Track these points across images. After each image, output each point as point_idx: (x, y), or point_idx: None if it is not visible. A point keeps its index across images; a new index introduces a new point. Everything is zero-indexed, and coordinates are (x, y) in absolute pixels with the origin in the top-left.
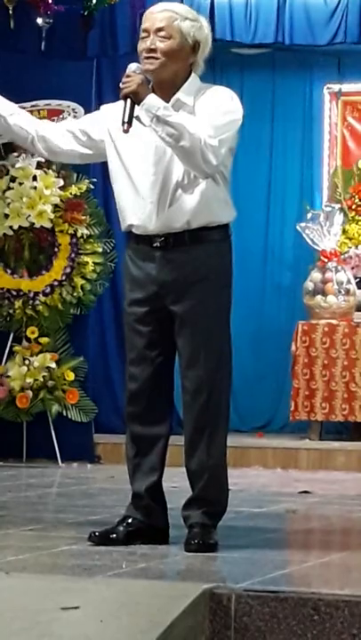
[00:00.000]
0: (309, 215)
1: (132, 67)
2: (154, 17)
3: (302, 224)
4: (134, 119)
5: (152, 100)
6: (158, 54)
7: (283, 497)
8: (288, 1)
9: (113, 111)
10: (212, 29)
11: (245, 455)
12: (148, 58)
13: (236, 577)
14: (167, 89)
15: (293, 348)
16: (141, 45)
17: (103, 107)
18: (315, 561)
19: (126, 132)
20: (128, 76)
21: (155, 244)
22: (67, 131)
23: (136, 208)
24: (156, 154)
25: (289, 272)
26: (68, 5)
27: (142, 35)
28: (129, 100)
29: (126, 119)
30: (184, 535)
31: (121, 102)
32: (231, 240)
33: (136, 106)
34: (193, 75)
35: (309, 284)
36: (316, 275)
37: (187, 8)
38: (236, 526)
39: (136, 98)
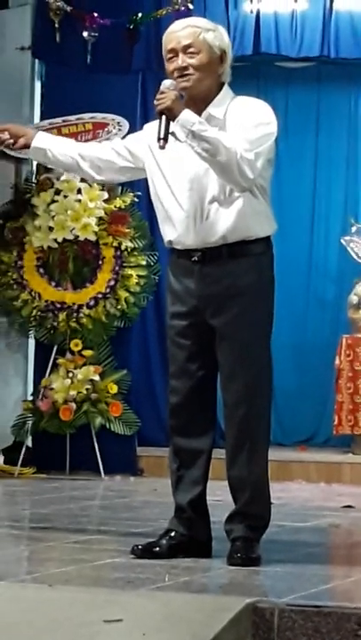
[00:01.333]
0: (354, 229)
1: (166, 83)
2: (178, 36)
3: (347, 237)
4: (170, 135)
5: (187, 115)
6: (192, 71)
7: (326, 511)
8: (334, 14)
9: (153, 128)
10: (258, 43)
11: (288, 469)
12: (181, 76)
13: (279, 591)
14: (200, 103)
15: (337, 361)
16: (170, 66)
17: (146, 125)
18: (358, 576)
19: (162, 148)
20: (162, 93)
21: (193, 259)
22: (110, 148)
23: (175, 223)
24: (191, 169)
25: (333, 286)
26: (114, 19)
27: (168, 56)
28: (164, 117)
29: (162, 135)
30: (227, 549)
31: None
32: (272, 253)
33: (171, 122)
34: (225, 87)
35: (354, 298)
36: (360, 288)
37: (205, 20)
38: (279, 540)
39: (171, 114)
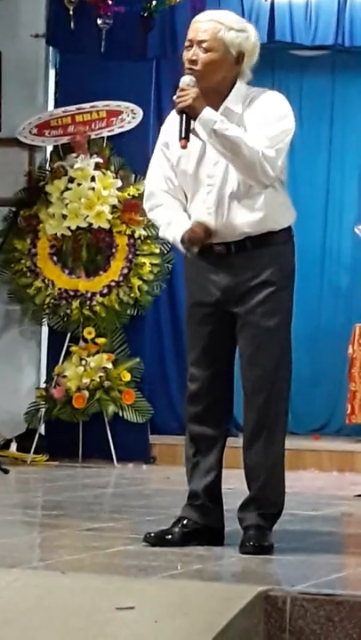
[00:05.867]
0: None
1: (186, 79)
2: (198, 27)
3: (360, 226)
4: (191, 133)
5: (208, 113)
6: (199, 66)
7: (339, 500)
8: (349, 2)
9: (170, 124)
10: (272, 31)
11: (301, 458)
12: (188, 68)
13: (291, 579)
14: (213, 96)
15: (350, 350)
16: (185, 55)
17: (163, 127)
18: None
19: (184, 147)
20: (182, 90)
21: (217, 251)
22: (166, 188)
23: (197, 217)
24: (211, 164)
25: (347, 274)
26: (128, 7)
27: (187, 44)
28: (185, 115)
29: (183, 134)
30: (240, 537)
31: (175, 115)
32: (294, 241)
33: (192, 120)
34: (238, 82)
35: None
36: None
37: (234, 17)
38: (291, 529)
39: (192, 112)
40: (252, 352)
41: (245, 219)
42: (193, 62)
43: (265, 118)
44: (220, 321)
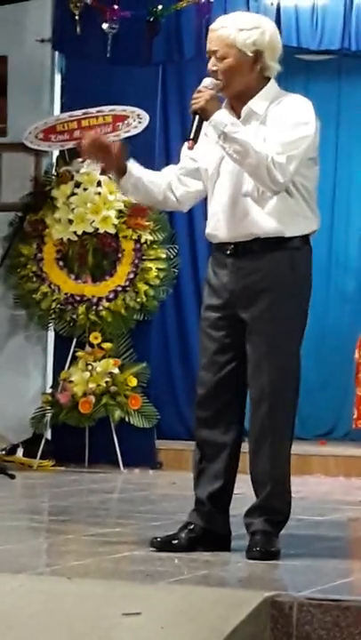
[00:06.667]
0: None
1: (206, 81)
2: (210, 37)
3: None
4: (204, 135)
5: (220, 116)
6: (220, 75)
7: (345, 505)
8: (355, 7)
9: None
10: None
11: (308, 463)
12: (216, 79)
13: (297, 585)
14: (243, 99)
15: (357, 355)
16: (208, 65)
17: None
18: None
19: (191, 148)
20: (199, 92)
21: (227, 252)
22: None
23: (212, 216)
24: (228, 165)
25: (353, 279)
26: (134, 11)
27: (207, 55)
28: (197, 117)
29: (192, 136)
30: (246, 542)
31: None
32: (310, 250)
33: (204, 122)
34: (271, 82)
35: None
36: None
37: (244, 17)
38: (297, 534)
39: (204, 114)
40: (258, 360)
41: (254, 221)
42: (214, 73)
43: (283, 124)
44: (231, 326)
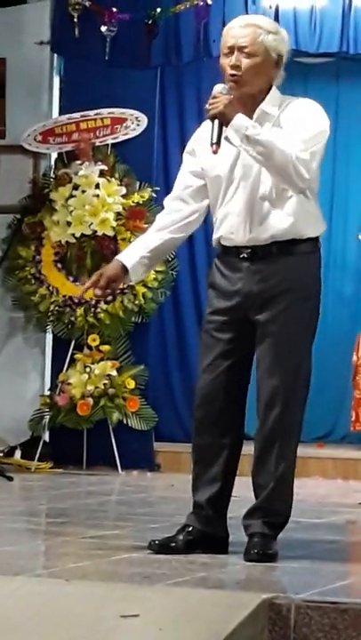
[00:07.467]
0: None
1: (218, 87)
2: (236, 33)
3: None
4: (223, 139)
5: (240, 120)
6: (241, 71)
7: (343, 508)
8: (353, 10)
9: (198, 132)
10: None
11: (305, 465)
12: (231, 74)
13: (295, 587)
14: (249, 102)
15: (355, 357)
16: (224, 60)
17: (193, 136)
18: None
19: (215, 152)
20: (215, 97)
21: (242, 256)
22: (182, 188)
23: (225, 221)
24: (243, 168)
25: (351, 281)
26: (133, 14)
27: (225, 51)
28: (217, 121)
29: (215, 140)
30: (244, 544)
31: (207, 123)
32: (320, 253)
33: (224, 126)
34: (273, 88)
35: None
36: None
37: (269, 20)
38: (295, 537)
39: (224, 118)
40: (271, 361)
41: (274, 224)
42: (236, 68)
43: (300, 122)
44: (239, 329)
